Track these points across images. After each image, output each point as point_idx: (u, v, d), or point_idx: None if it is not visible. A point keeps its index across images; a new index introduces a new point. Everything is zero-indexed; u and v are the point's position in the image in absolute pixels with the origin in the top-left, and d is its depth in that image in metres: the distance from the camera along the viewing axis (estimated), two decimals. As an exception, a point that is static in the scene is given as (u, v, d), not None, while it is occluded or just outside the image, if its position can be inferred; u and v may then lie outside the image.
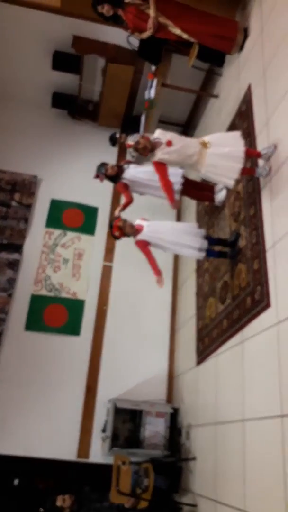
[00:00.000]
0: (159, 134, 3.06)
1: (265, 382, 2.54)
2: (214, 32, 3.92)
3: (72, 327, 4.76)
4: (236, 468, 2.77)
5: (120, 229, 3.35)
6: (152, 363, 4.72)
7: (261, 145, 3.22)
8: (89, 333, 4.78)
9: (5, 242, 5.01)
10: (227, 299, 3.41)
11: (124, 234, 3.38)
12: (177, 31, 3.89)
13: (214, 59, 4.42)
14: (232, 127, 4.01)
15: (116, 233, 3.39)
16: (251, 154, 3.05)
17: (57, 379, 4.50)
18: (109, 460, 3.96)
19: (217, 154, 2.93)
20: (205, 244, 3.36)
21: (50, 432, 4.27)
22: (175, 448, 4.05)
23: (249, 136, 3.49)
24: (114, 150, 5.29)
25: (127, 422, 4.28)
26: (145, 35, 3.97)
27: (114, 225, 3.37)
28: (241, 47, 4.01)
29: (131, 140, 3.07)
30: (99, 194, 5.46)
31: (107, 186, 5.57)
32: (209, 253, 3.44)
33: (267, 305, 2.65)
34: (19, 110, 5.85)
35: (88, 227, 5.34)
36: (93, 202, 5.38)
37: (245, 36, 3.96)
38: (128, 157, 3.80)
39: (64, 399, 4.43)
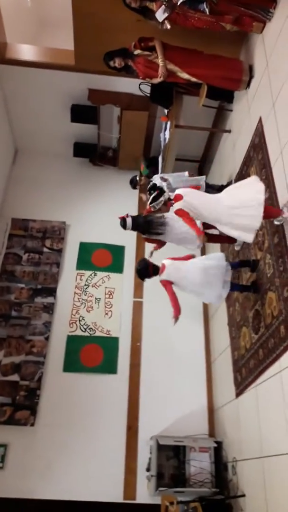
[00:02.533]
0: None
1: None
2: (220, 75, 4.13)
3: (109, 366, 4.83)
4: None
5: (150, 267, 3.57)
6: (191, 396, 4.69)
7: (278, 174, 3.33)
8: (126, 370, 4.83)
9: (40, 287, 5.22)
10: (261, 328, 3.42)
11: (153, 273, 3.57)
12: (185, 75, 4.12)
13: (223, 97, 4.64)
14: (247, 160, 4.14)
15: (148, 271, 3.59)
16: (271, 212, 3.05)
17: (97, 419, 4.52)
18: (156, 500, 3.90)
19: (236, 209, 2.97)
20: (225, 291, 3.50)
21: (94, 474, 4.26)
22: (222, 484, 3.95)
23: (265, 167, 3.61)
24: (135, 192, 5.49)
25: (171, 459, 4.21)
26: (156, 81, 4.21)
27: (148, 264, 3.58)
28: (248, 85, 4.19)
29: (152, 207, 3.35)
30: (124, 233, 5.60)
31: (131, 225, 5.78)
32: (233, 287, 3.59)
33: (301, 332, 2.67)
34: (45, 162, 6.20)
35: (116, 265, 5.50)
36: (119, 241, 5.54)
37: (251, 76, 4.15)
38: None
39: (106, 439, 4.43)
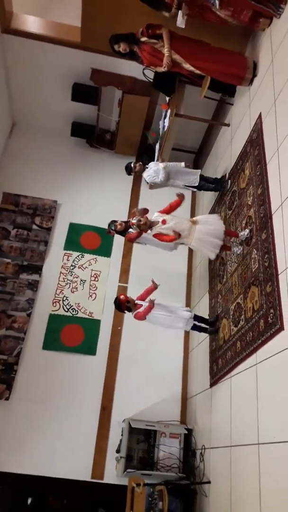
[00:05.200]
0: (156, 216, 3.86)
1: (279, 406, 2.57)
2: (224, 70, 4.13)
3: (88, 347, 4.87)
4: (251, 493, 2.74)
5: (125, 296, 3.99)
6: (166, 383, 4.77)
7: (272, 172, 3.36)
8: (105, 353, 4.88)
9: (26, 263, 5.20)
10: (241, 321, 3.48)
11: (126, 302, 3.95)
12: (189, 67, 4.10)
13: (225, 90, 4.64)
14: (243, 155, 4.16)
15: (122, 297, 3.97)
16: (230, 234, 3.83)
17: (73, 398, 4.57)
18: (123, 481, 3.97)
19: (204, 231, 3.76)
20: (188, 326, 4.05)
21: (65, 451, 4.32)
22: (189, 471, 4.04)
23: (260, 163, 3.64)
24: (130, 178, 5.48)
25: (141, 442, 4.30)
26: (160, 70, 4.18)
27: (120, 299, 3.97)
28: (251, 82, 4.20)
29: (134, 220, 3.83)
30: (115, 218, 5.63)
31: (123, 210, 5.80)
32: (193, 327, 4.09)
33: (281, 328, 2.71)
34: (41, 139, 6.14)
35: (104, 249, 5.50)
36: (109, 225, 5.56)
37: (254, 74, 4.15)
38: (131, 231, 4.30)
39: (79, 418, 4.49)
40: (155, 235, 3.84)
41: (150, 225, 3.82)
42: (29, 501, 5.18)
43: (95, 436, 4.44)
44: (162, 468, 4.10)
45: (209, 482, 3.64)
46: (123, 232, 4.40)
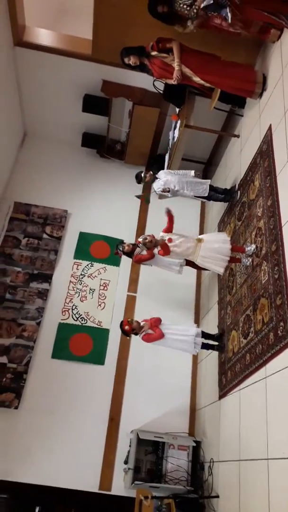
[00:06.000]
0: (162, 236, 4.00)
1: (288, 420, 2.55)
2: (233, 84, 4.16)
3: (97, 356, 4.87)
4: (260, 508, 2.70)
5: (129, 325, 3.95)
6: (174, 394, 4.73)
7: (282, 183, 3.36)
8: (113, 362, 4.87)
9: (36, 272, 5.24)
10: (250, 333, 3.45)
11: (132, 329, 3.95)
12: (199, 80, 4.13)
13: (235, 102, 4.66)
14: (253, 166, 4.16)
15: (126, 328, 3.96)
16: (237, 249, 3.91)
17: (81, 408, 4.57)
18: (131, 493, 3.94)
19: (210, 248, 3.91)
20: (197, 350, 4.05)
21: (73, 462, 4.30)
22: (197, 484, 4.00)
23: (270, 175, 3.63)
24: (139, 187, 5.52)
25: (149, 454, 4.27)
26: (170, 82, 4.22)
27: (124, 323, 4.00)
28: (260, 96, 4.21)
29: (141, 239, 4.00)
30: (124, 227, 5.70)
31: (133, 220, 5.84)
32: (202, 347, 4.09)
33: (290, 341, 2.70)
34: (52, 149, 6.22)
35: (113, 258, 5.50)
36: (118, 234, 5.56)
37: (263, 89, 4.16)
38: (138, 250, 4.38)
39: (87, 428, 4.48)
40: (159, 252, 4.02)
41: (155, 243, 3.98)
42: (37, 510, 5.17)
43: (103, 446, 4.42)
44: (170, 481, 4.06)
45: (217, 497, 3.60)
46: (130, 254, 4.47)
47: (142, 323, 3.98)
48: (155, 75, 4.21)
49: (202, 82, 4.13)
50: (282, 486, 2.51)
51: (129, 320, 4.00)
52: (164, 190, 4.43)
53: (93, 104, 5.41)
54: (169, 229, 4.03)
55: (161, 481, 4.05)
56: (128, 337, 4.33)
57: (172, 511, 3.53)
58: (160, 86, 4.74)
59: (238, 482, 3.18)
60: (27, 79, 5.36)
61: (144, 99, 5.22)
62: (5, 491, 4.29)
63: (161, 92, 4.79)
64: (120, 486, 4.21)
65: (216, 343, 4.19)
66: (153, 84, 4.75)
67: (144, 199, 4.93)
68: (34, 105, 5.77)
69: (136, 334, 3.99)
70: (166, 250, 3.93)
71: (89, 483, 4.24)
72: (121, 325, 4.03)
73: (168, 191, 4.43)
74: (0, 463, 4.20)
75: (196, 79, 4.11)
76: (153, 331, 3.91)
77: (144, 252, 4.23)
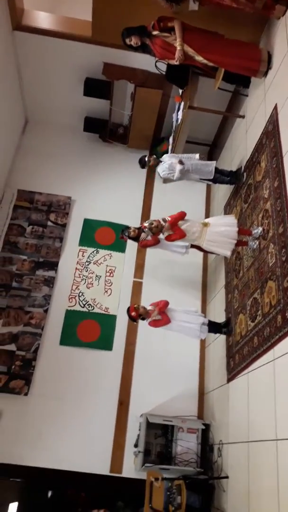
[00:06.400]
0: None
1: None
2: (237, 64, 4.05)
3: (105, 342, 4.90)
4: (269, 488, 2.74)
5: (136, 310, 3.94)
6: (183, 378, 4.77)
7: (288, 164, 3.30)
8: (121, 348, 4.90)
9: (42, 260, 5.24)
10: (258, 316, 3.44)
11: (139, 315, 3.95)
12: (202, 60, 4.03)
13: (240, 81, 4.54)
14: (259, 147, 4.09)
15: (133, 314, 3.96)
16: (243, 233, 3.85)
17: (90, 394, 4.62)
18: (141, 475, 4.00)
19: (216, 232, 3.87)
20: (203, 334, 4.10)
21: (83, 446, 4.37)
22: (207, 465, 4.05)
23: (276, 156, 3.56)
24: (143, 172, 5.45)
25: (159, 437, 4.32)
26: (172, 62, 4.12)
27: (131, 308, 4.00)
28: (265, 74, 4.10)
29: (146, 223, 3.95)
30: (129, 213, 5.65)
31: (137, 205, 5.79)
32: (210, 329, 4.14)
33: (298, 323, 2.68)
34: (54, 135, 6.15)
35: (119, 245, 5.49)
36: (123, 220, 5.50)
37: (269, 67, 4.04)
38: (143, 236, 4.35)
39: (97, 413, 4.53)
40: (166, 237, 4.01)
41: (161, 228, 3.93)
42: (49, 494, 5.28)
43: (113, 430, 4.48)
44: (180, 463, 4.11)
45: (227, 477, 3.64)
46: (136, 238, 4.44)
47: (149, 308, 3.98)
48: (157, 55, 4.11)
49: (205, 61, 4.03)
50: (291, 467, 2.52)
51: (135, 306, 4.00)
52: (180, 162, 4.33)
53: (95, 87, 5.33)
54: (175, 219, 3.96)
55: (171, 463, 4.10)
56: (135, 323, 4.35)
57: (183, 492, 3.58)
58: (163, 67, 4.64)
59: (247, 463, 3.22)
60: (27, 64, 5.27)
61: (146, 81, 5.12)
62: (18, 476, 4.38)
63: (164, 73, 4.69)
64: (131, 468, 4.27)
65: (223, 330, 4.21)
66: (155, 65, 4.65)
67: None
68: (35, 90, 5.69)
69: (143, 319, 4.00)
70: (179, 232, 3.87)
71: (100, 466, 4.31)
72: (128, 311, 4.03)
73: (182, 164, 4.32)
74: (13, 448, 4.28)
75: (199, 58, 4.01)
76: (161, 317, 3.91)
77: (149, 238, 4.19)
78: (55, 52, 5.09)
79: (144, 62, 4.90)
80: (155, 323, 3.96)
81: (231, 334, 4.06)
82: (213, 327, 4.19)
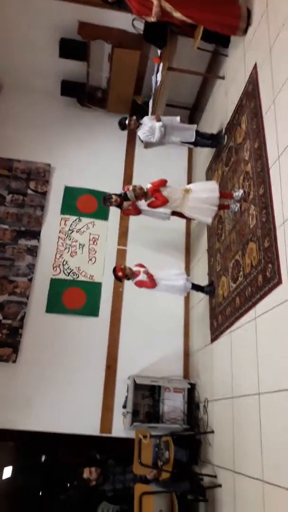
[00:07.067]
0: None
1: (278, 356, 2.63)
2: (216, 20, 3.94)
3: (91, 309, 4.94)
4: (253, 439, 2.86)
5: (122, 271, 4.01)
6: (168, 340, 4.88)
7: (269, 124, 3.27)
8: (107, 314, 4.96)
9: (23, 229, 5.18)
10: (239, 277, 3.50)
11: (125, 276, 4.03)
12: (180, 17, 3.89)
13: (219, 40, 4.43)
14: (239, 108, 4.04)
15: (119, 274, 4.02)
16: (225, 195, 3.87)
17: (78, 358, 4.70)
18: (130, 434, 4.13)
19: (197, 198, 3.85)
20: (187, 289, 4.24)
21: (73, 409, 4.47)
22: (193, 422, 4.20)
23: (256, 116, 3.53)
24: (124, 135, 5.33)
25: (147, 397, 4.45)
26: (149, 19, 3.98)
27: (117, 269, 4.06)
28: (245, 32, 4.00)
29: (130, 186, 3.94)
30: (110, 179, 5.57)
31: (119, 171, 5.71)
32: (193, 287, 4.29)
33: (279, 282, 2.73)
34: (30, 99, 5.95)
35: (101, 212, 5.45)
36: (105, 187, 5.44)
37: (248, 23, 3.94)
38: (125, 204, 4.43)
39: (85, 377, 4.63)
40: (149, 204, 3.98)
41: (144, 192, 3.90)
42: (43, 458, 5.44)
43: (102, 393, 4.60)
44: (168, 421, 4.26)
45: (212, 432, 3.80)
46: (119, 206, 4.47)
47: (135, 269, 4.04)
48: (133, 11, 3.96)
49: (183, 18, 3.90)
50: (273, 417, 2.65)
51: (122, 266, 4.06)
52: (158, 119, 4.29)
53: (70, 48, 5.14)
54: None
55: (158, 422, 4.25)
56: (121, 282, 4.45)
57: (170, 448, 3.72)
58: (141, 26, 4.48)
59: (232, 418, 3.36)
60: (-2, 23, 5.01)
61: (123, 41, 4.96)
62: (10, 439, 4.49)
63: (142, 32, 4.53)
64: (120, 428, 4.42)
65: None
66: (132, 24, 4.51)
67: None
68: (7, 53, 5.44)
69: (128, 279, 4.06)
70: (161, 198, 3.83)
71: (90, 427, 4.44)
72: (114, 271, 4.07)
73: (160, 121, 4.28)
74: (3, 414, 4.36)
75: (177, 14, 3.88)
76: (148, 278, 3.98)
77: (133, 199, 4.13)
78: (26, 10, 4.85)
79: (121, 21, 4.73)
80: (141, 283, 4.03)
81: (213, 296, 4.14)
82: (196, 287, 4.29)
